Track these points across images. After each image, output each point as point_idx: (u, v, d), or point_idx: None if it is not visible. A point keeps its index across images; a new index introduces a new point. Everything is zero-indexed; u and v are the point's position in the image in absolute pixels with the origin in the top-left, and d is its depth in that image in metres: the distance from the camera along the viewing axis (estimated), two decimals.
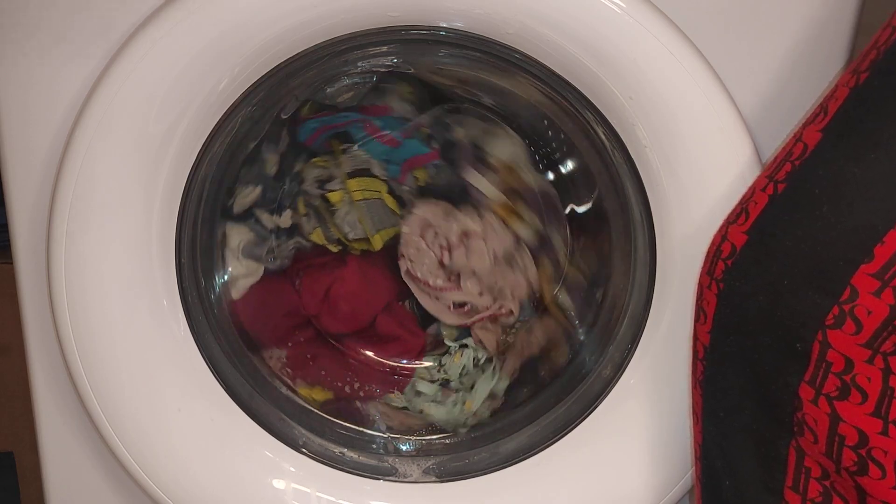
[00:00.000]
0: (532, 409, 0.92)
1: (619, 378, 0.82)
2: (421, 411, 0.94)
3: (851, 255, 0.57)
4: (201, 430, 0.82)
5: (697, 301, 0.66)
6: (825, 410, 0.58)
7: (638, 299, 0.82)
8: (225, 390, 0.83)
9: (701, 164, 0.72)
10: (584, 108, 0.76)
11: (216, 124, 0.76)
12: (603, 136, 0.77)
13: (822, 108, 0.62)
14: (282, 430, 0.85)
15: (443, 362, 0.97)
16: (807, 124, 0.63)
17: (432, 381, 0.97)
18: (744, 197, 0.66)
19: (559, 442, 0.85)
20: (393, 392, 0.97)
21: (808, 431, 0.59)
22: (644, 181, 0.75)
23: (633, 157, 0.75)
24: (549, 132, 0.96)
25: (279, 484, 0.83)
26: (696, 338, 0.67)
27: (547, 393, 0.93)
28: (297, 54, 0.74)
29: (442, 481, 0.86)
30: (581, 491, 0.83)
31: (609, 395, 0.83)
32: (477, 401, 0.94)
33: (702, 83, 0.71)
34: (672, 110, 0.72)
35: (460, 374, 0.95)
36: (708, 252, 0.66)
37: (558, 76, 0.74)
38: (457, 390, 0.95)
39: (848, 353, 0.57)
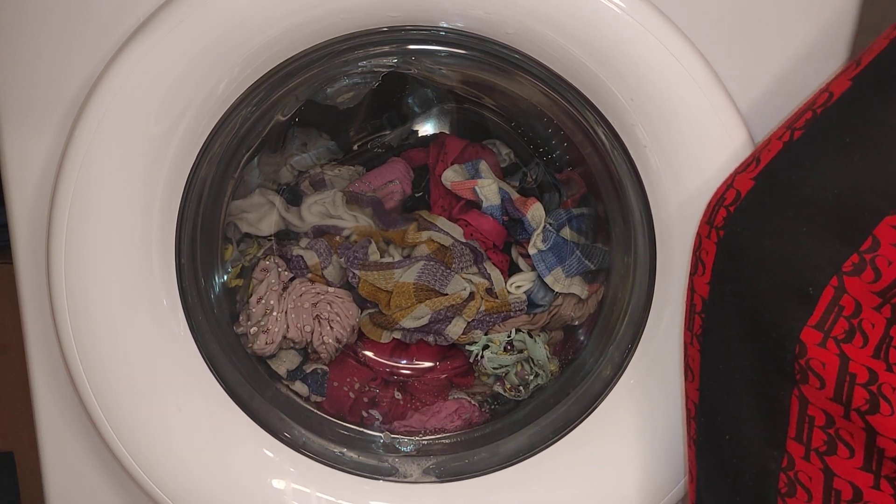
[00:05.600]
0: (532, 409, 0.92)
1: (619, 378, 0.82)
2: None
3: (877, 206, 0.56)
4: (201, 430, 0.81)
5: (695, 252, 0.65)
6: (834, 352, 0.57)
7: (638, 299, 0.82)
8: (225, 390, 0.83)
9: (701, 164, 0.72)
10: (584, 108, 0.76)
11: (216, 124, 0.76)
12: (602, 137, 0.77)
13: (857, 60, 0.61)
14: (282, 430, 0.85)
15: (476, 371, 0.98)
16: (838, 76, 0.62)
17: (489, 376, 0.97)
18: (758, 147, 0.65)
19: (559, 442, 0.85)
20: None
21: (812, 377, 0.58)
22: (644, 181, 0.75)
23: (632, 157, 0.75)
24: (549, 132, 0.96)
25: (279, 484, 0.83)
26: (692, 291, 0.66)
27: (547, 393, 0.93)
28: (297, 54, 0.74)
29: (442, 481, 0.86)
30: (581, 491, 0.83)
31: (609, 396, 0.83)
32: (546, 363, 0.94)
33: (702, 83, 0.71)
34: (672, 110, 0.72)
35: (498, 369, 0.95)
36: (710, 202, 0.65)
37: (558, 76, 0.74)
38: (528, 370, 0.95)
39: (859, 299, 0.57)
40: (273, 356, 0.93)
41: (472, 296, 0.93)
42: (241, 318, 0.91)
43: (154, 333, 0.79)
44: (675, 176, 0.73)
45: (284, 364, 0.94)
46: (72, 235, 0.75)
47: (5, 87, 0.74)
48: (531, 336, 0.94)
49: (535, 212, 0.92)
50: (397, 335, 0.96)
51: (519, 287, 0.95)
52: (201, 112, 0.74)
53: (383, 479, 0.86)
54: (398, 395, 0.98)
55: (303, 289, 0.93)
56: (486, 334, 0.94)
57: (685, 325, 0.68)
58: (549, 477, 0.84)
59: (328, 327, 0.93)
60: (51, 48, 0.73)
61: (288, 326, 0.91)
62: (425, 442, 0.93)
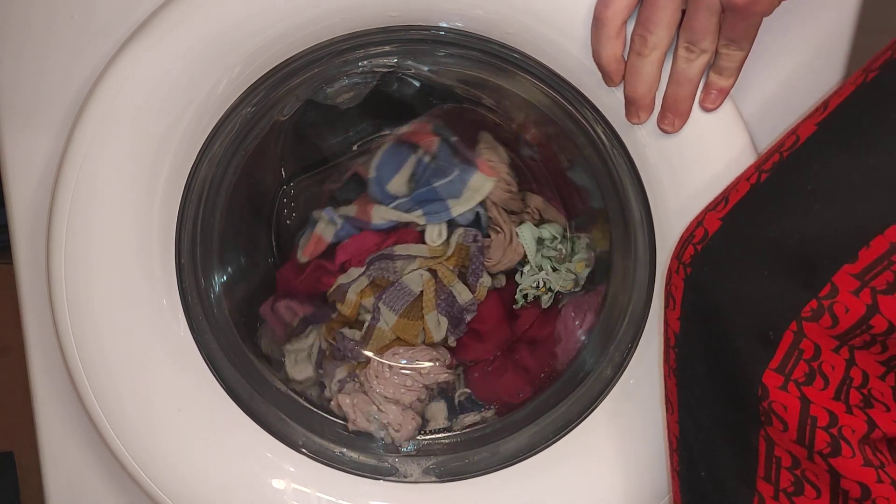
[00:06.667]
0: (532, 409, 0.92)
1: (619, 378, 0.82)
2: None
3: (836, 254, 0.57)
4: (201, 430, 0.82)
5: (666, 287, 0.66)
6: (795, 395, 0.59)
7: (638, 299, 0.82)
8: (225, 390, 0.83)
9: (700, 163, 0.72)
10: (584, 107, 0.76)
11: (216, 125, 0.76)
12: (602, 136, 0.77)
13: (825, 103, 0.62)
14: (282, 430, 0.85)
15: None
16: (805, 119, 0.63)
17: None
18: (729, 185, 0.66)
19: (559, 442, 0.85)
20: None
21: (776, 420, 0.59)
22: (644, 181, 0.75)
23: (632, 156, 0.74)
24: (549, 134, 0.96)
25: (279, 484, 0.83)
26: (666, 324, 0.66)
27: (547, 393, 0.93)
28: (298, 54, 0.74)
29: (442, 481, 0.86)
30: (581, 491, 0.83)
31: (609, 395, 0.83)
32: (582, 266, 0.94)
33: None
34: None
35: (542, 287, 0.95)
36: (681, 237, 0.66)
37: (558, 76, 0.74)
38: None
39: (818, 342, 0.58)
40: (426, 420, 0.95)
41: (434, 272, 0.93)
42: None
43: (154, 334, 0.79)
44: (675, 176, 0.73)
45: (441, 413, 0.96)
46: (72, 235, 0.75)
47: (5, 87, 0.74)
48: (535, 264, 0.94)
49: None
50: (451, 342, 0.97)
51: (440, 234, 0.93)
52: (201, 112, 0.74)
53: (383, 479, 0.86)
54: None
55: (373, 379, 0.94)
56: (493, 277, 0.94)
57: (663, 357, 0.69)
58: (550, 477, 0.84)
59: (407, 383, 0.94)
60: (51, 48, 0.73)
61: (398, 404, 0.92)
62: (426, 442, 0.93)
